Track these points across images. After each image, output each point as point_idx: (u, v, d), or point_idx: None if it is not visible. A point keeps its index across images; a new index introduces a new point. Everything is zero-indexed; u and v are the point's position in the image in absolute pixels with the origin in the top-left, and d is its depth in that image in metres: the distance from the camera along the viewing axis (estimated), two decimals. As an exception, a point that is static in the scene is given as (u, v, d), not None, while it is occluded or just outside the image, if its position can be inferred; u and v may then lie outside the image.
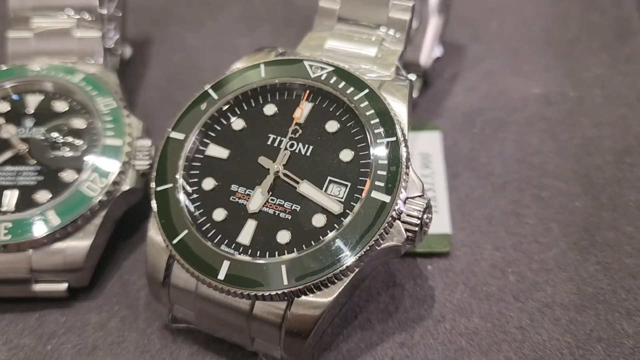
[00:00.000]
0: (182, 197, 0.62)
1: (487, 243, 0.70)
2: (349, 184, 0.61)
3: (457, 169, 0.77)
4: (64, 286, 0.68)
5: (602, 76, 0.85)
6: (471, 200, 0.74)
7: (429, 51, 0.84)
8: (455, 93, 0.85)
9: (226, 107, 0.66)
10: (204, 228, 0.61)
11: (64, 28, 0.79)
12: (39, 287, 0.68)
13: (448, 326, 0.64)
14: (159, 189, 0.63)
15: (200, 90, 0.87)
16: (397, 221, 0.59)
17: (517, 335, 0.63)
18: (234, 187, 0.63)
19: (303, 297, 0.57)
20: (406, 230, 0.59)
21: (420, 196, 0.60)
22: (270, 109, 0.66)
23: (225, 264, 0.59)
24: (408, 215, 0.59)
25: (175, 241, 0.60)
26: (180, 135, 0.65)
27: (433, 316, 0.65)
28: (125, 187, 0.69)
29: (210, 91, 0.67)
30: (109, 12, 0.85)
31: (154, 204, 0.63)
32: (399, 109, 0.63)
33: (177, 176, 0.63)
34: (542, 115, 0.81)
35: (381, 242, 0.58)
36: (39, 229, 0.66)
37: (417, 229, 0.59)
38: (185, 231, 0.61)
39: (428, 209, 0.59)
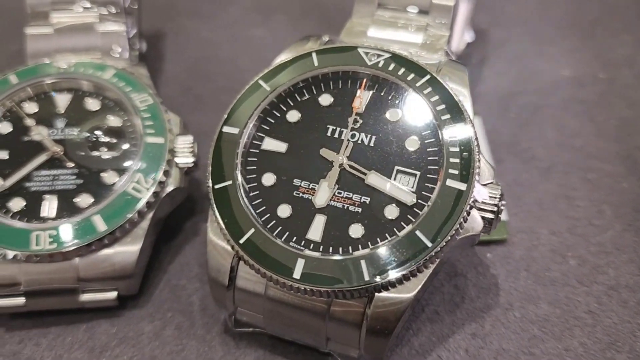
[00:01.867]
0: (243, 194, 0.60)
1: (543, 228, 0.69)
2: (418, 173, 0.59)
3: (500, 155, 0.76)
4: (113, 295, 0.64)
5: (629, 56, 0.85)
6: (519, 185, 0.73)
7: (459, 36, 0.83)
8: (486, 78, 0.84)
9: (279, 98, 0.64)
10: (269, 226, 0.59)
11: (87, 22, 0.75)
12: (86, 297, 0.64)
13: (517, 314, 0.63)
14: (217, 186, 0.60)
15: (226, 82, 0.86)
16: (473, 209, 0.57)
17: (588, 319, 0.63)
18: (296, 182, 0.60)
19: (384, 293, 0.55)
20: (483, 218, 0.58)
21: (492, 182, 0.59)
22: (326, 99, 0.63)
23: (300, 262, 0.56)
24: (484, 202, 0.57)
25: (242, 241, 0.57)
26: (234, 130, 0.62)
27: (500, 304, 0.64)
28: (171, 186, 0.66)
29: (261, 82, 0.64)
30: (126, 4, 0.81)
31: (213, 203, 0.60)
32: (463, 94, 0.61)
33: (236, 172, 0.60)
34: (576, 98, 0.81)
35: (460, 231, 0.56)
36: (86, 236, 0.62)
37: (493, 216, 0.57)
38: (252, 230, 0.58)
39: (502, 195, 0.58)
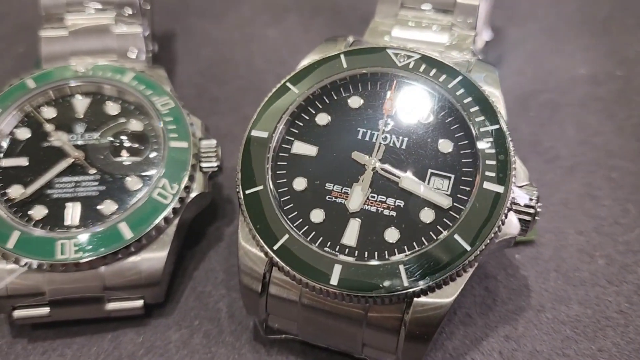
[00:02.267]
0: (274, 199, 0.58)
1: (569, 228, 0.69)
2: (453, 176, 0.58)
3: (522, 154, 0.74)
4: (139, 303, 0.63)
5: (644, 53, 0.86)
6: (543, 185, 0.73)
7: (479, 35, 0.83)
8: (504, 77, 0.83)
9: (308, 101, 0.62)
10: (302, 231, 0.58)
11: (102, 24, 0.73)
12: (112, 306, 0.63)
13: (549, 315, 0.63)
14: (247, 192, 0.59)
15: (241, 84, 0.85)
16: (510, 212, 0.57)
17: (620, 319, 0.63)
18: (328, 186, 0.59)
19: (422, 298, 0.55)
20: (520, 220, 0.57)
21: (528, 184, 0.58)
22: (356, 101, 0.62)
23: (337, 268, 0.55)
24: (522, 205, 0.57)
25: (276, 247, 0.56)
26: (263, 134, 0.61)
27: (532, 306, 0.64)
28: (196, 191, 0.65)
29: (289, 85, 0.63)
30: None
31: (244, 209, 0.58)
32: (495, 95, 0.61)
33: (267, 177, 0.59)
34: (594, 96, 0.81)
35: (498, 234, 0.56)
36: (112, 244, 0.61)
37: (530, 218, 0.57)
38: (286, 236, 0.57)
39: (539, 197, 0.58)
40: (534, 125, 0.78)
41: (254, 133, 0.61)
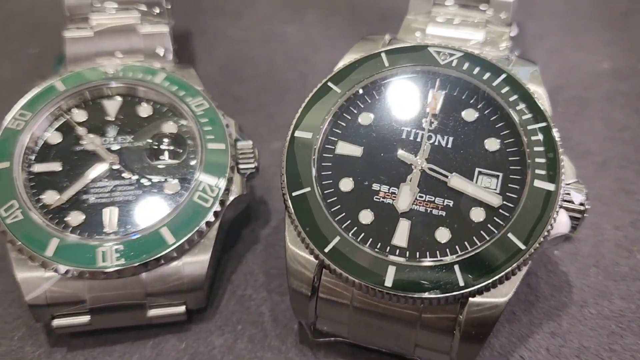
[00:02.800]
0: (322, 201, 0.58)
1: (606, 223, 0.69)
2: (501, 175, 0.58)
3: (553, 150, 0.75)
4: (182, 309, 0.62)
5: (665, 47, 0.86)
6: (576, 180, 0.73)
7: (505, 31, 0.82)
8: (528, 73, 0.84)
9: (350, 100, 0.62)
10: (352, 233, 0.57)
11: (128, 24, 0.72)
12: (154, 313, 0.61)
13: (593, 311, 0.63)
14: (294, 194, 0.58)
15: (264, 83, 0.83)
16: (561, 209, 0.57)
17: (663, 313, 0.63)
18: (375, 186, 0.59)
19: (477, 298, 0.54)
20: (571, 217, 0.57)
21: (577, 181, 0.58)
22: (397, 100, 0.62)
23: (391, 270, 0.54)
24: (572, 202, 0.57)
25: (327, 249, 0.56)
26: (307, 135, 0.60)
27: (575, 302, 0.64)
28: (235, 193, 0.64)
29: (331, 85, 0.62)
30: (163, 4, 0.78)
31: (292, 212, 0.58)
32: (539, 93, 0.60)
33: (314, 179, 0.58)
34: (619, 91, 0.81)
35: (551, 232, 0.55)
36: (154, 250, 0.59)
37: (581, 215, 0.57)
38: (337, 238, 0.56)
39: (587, 194, 0.58)
40: (562, 121, 0.78)
41: (298, 134, 0.60)
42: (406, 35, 0.67)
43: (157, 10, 0.72)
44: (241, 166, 0.65)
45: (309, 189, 0.58)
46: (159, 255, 0.59)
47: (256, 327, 0.63)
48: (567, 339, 0.62)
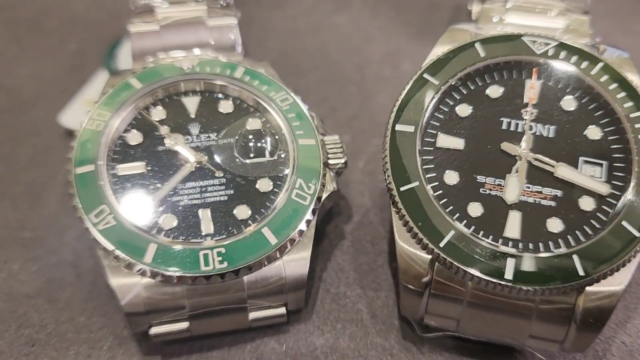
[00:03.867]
0: (432, 195, 0.57)
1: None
2: (605, 163, 0.58)
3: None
4: (282, 310, 0.60)
5: None
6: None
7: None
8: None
9: (447, 92, 0.61)
10: (463, 226, 0.56)
11: (195, 17, 0.69)
12: (254, 315, 0.59)
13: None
14: (402, 189, 0.57)
15: (321, 75, 0.82)
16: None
17: None
18: (480, 179, 0.58)
19: (594, 287, 0.54)
20: (677, 204, 0.57)
21: None
22: (495, 91, 0.61)
23: (510, 263, 0.54)
24: None
25: (442, 244, 0.55)
26: (408, 128, 0.59)
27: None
28: (328, 190, 0.62)
29: (428, 76, 0.61)
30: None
31: (401, 207, 0.56)
32: (634, 80, 0.61)
33: (421, 172, 0.57)
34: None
35: None
36: (258, 251, 0.57)
37: None
38: (452, 232, 0.55)
39: None
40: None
41: (399, 127, 0.59)
42: (486, 24, 0.67)
43: (223, 2, 0.70)
44: (331, 162, 0.63)
45: (417, 183, 0.57)
46: (262, 256, 0.57)
47: (355, 324, 0.62)
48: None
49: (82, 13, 0.89)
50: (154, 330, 0.58)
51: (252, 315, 0.59)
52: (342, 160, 0.64)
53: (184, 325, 0.58)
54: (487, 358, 0.60)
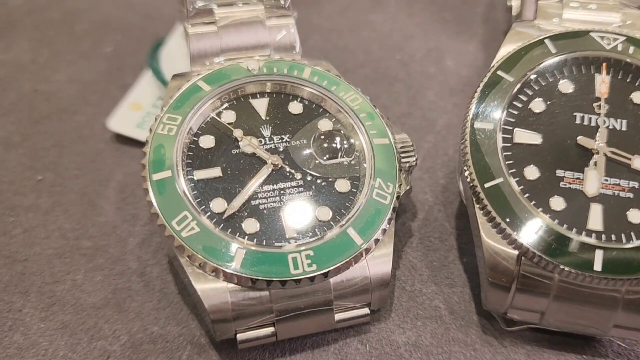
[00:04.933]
0: (516, 190, 0.57)
1: None
2: (678, 154, 0.60)
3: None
4: (366, 310, 0.60)
5: None
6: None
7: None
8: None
9: (521, 88, 0.62)
10: (548, 218, 0.57)
11: (254, 17, 0.68)
12: (340, 317, 0.59)
13: None
14: (487, 185, 0.58)
15: (367, 73, 0.82)
16: None
17: None
18: (559, 173, 0.59)
19: (676, 272, 0.56)
20: None
21: None
22: (566, 86, 0.62)
23: (599, 254, 0.55)
24: None
25: (530, 239, 0.56)
26: (487, 125, 0.60)
27: None
28: (405, 188, 0.62)
29: (502, 73, 0.62)
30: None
31: (487, 204, 0.57)
32: (702, 73, 0.62)
33: (504, 168, 0.58)
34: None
35: None
36: (345, 252, 0.57)
37: None
38: (540, 226, 0.56)
39: None
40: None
41: (477, 125, 0.60)
42: (544, 21, 0.67)
43: (282, 2, 0.69)
44: (404, 160, 0.63)
45: (501, 179, 0.58)
46: (350, 257, 0.57)
47: (435, 321, 0.62)
48: None
49: (113, 15, 0.87)
50: (240, 336, 0.57)
51: (338, 316, 0.59)
52: (414, 159, 0.64)
53: (270, 330, 0.58)
54: (568, 349, 0.61)
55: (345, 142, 0.63)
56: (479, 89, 0.61)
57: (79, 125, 0.77)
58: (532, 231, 0.56)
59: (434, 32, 0.86)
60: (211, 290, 0.56)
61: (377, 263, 0.59)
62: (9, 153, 0.74)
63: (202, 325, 0.62)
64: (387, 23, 0.87)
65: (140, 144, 0.74)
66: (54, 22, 0.86)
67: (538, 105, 0.61)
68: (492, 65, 0.63)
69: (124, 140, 0.75)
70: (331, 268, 0.56)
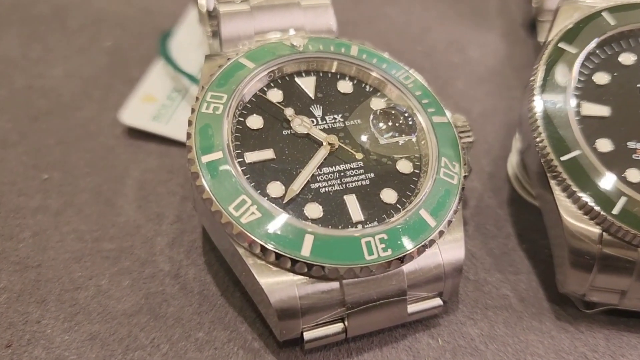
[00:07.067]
0: (595, 161, 0.54)
1: None
2: None
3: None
4: (439, 301, 0.55)
5: None
6: None
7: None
8: None
9: (585, 60, 0.59)
10: (630, 190, 0.54)
11: (289, -3, 0.63)
12: (413, 308, 0.54)
13: None
14: (563, 158, 0.54)
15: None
16: None
17: None
18: (631, 144, 0.56)
19: None
20: None
21: None
22: (627, 58, 0.60)
23: (686, 226, 0.52)
24: None
25: (615, 212, 0.52)
26: (555, 97, 0.57)
27: None
28: (468, 168, 0.58)
29: (564, 45, 0.59)
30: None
31: (565, 177, 0.54)
32: None
33: (581, 140, 0.55)
34: None
35: None
36: (419, 235, 0.52)
37: None
38: (623, 198, 0.53)
39: None
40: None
41: (545, 97, 0.57)
42: (591, -2, 0.66)
43: (316, -19, 0.65)
44: (463, 140, 0.59)
45: (578, 151, 0.55)
46: (425, 240, 0.52)
47: (506, 310, 0.58)
48: None
49: (109, 10, 0.81)
50: (307, 335, 0.51)
51: (410, 308, 0.54)
52: (472, 139, 0.60)
53: (339, 326, 0.52)
54: (647, 331, 0.58)
55: (404, 120, 0.58)
56: (541, 62, 0.58)
57: (84, 121, 0.69)
58: (615, 204, 0.53)
59: (451, 24, 0.83)
60: (276, 283, 0.50)
61: (450, 248, 0.54)
62: (7, 152, 0.66)
63: (254, 328, 0.55)
64: (402, 15, 0.84)
65: (155, 138, 0.68)
66: (43, 17, 0.79)
67: (602, 77, 0.59)
68: (549, 39, 0.60)
69: (136, 135, 0.68)
70: (407, 252, 0.51)
